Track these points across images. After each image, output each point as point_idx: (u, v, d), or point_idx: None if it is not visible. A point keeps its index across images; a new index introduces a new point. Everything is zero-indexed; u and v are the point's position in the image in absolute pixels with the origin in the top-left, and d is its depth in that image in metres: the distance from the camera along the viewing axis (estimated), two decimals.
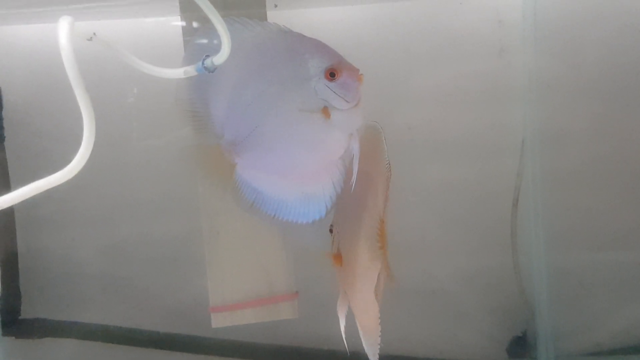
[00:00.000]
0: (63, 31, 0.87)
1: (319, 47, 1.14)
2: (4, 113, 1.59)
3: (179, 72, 1.03)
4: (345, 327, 1.27)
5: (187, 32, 1.33)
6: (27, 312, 1.63)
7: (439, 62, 1.64)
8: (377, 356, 1.25)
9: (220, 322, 1.39)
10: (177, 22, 1.36)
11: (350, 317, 1.28)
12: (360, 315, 1.25)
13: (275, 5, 1.43)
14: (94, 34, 0.95)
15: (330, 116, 1.13)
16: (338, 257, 1.22)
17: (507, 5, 1.62)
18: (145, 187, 1.63)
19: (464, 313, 1.71)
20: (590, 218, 1.67)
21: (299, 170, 1.20)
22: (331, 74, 1.11)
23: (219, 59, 1.01)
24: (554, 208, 1.62)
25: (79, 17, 1.49)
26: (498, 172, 1.66)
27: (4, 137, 1.59)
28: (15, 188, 1.54)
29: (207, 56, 1.04)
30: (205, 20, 1.20)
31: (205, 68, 1.02)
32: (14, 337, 1.62)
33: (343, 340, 1.27)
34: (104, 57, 1.17)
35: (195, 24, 1.33)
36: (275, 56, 1.16)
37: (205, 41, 1.19)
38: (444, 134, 1.65)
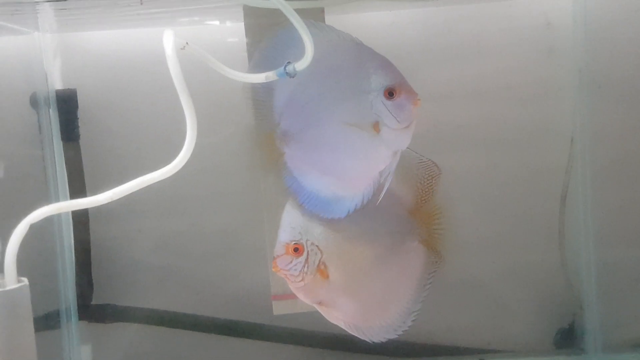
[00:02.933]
0: (168, 42, 0.95)
1: (384, 64, 1.20)
2: (79, 113, 1.67)
3: (260, 77, 1.10)
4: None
5: (250, 36, 1.40)
6: (99, 298, 1.73)
7: (487, 62, 1.68)
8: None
9: (282, 310, 1.46)
10: (240, 27, 1.42)
11: None
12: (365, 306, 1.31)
13: None
14: (187, 43, 1.03)
15: (379, 132, 1.20)
16: (323, 272, 1.26)
17: (556, 8, 1.65)
18: (205, 181, 1.69)
19: (511, 305, 1.74)
20: (638, 214, 1.69)
21: (338, 173, 1.27)
22: (390, 93, 1.17)
23: (301, 64, 1.07)
24: (602, 204, 1.64)
25: (147, 24, 1.61)
26: (546, 169, 1.69)
27: (79, 135, 1.68)
28: (89, 184, 1.67)
29: (289, 62, 1.10)
30: (269, 27, 1.29)
31: (287, 73, 1.09)
32: (86, 322, 1.71)
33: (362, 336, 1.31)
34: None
35: (257, 29, 1.40)
36: (342, 64, 1.23)
37: (277, 46, 1.25)
38: (493, 133, 1.69)
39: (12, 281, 1.01)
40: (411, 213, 1.34)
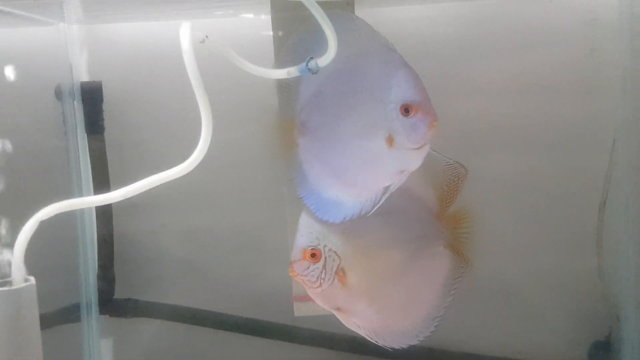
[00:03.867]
0: (184, 36, 0.93)
1: (409, 78, 1.14)
2: (103, 105, 1.67)
3: (282, 73, 1.08)
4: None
5: (278, 29, 1.38)
6: (121, 293, 1.73)
7: (526, 59, 1.63)
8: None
9: (303, 311, 1.44)
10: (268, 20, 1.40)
11: None
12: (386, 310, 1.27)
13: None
14: (206, 36, 1.01)
15: (392, 146, 1.15)
16: (342, 279, 1.23)
17: (602, 4, 1.59)
18: (231, 177, 1.69)
19: (544, 314, 1.69)
20: None
21: (344, 177, 1.24)
22: (406, 110, 1.12)
23: (324, 61, 1.04)
24: None
25: (179, 16, 1.60)
26: (586, 172, 1.64)
27: (104, 128, 1.68)
28: (113, 177, 1.67)
29: (312, 58, 1.08)
30: (296, 20, 1.26)
31: (309, 69, 1.07)
32: (108, 316, 1.72)
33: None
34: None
35: (285, 23, 1.37)
36: (368, 68, 1.18)
37: (304, 41, 1.22)
38: (530, 133, 1.64)
39: (20, 280, 0.99)
40: (437, 217, 1.30)
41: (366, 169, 1.21)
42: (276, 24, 1.40)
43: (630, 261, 1.58)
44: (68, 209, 1.03)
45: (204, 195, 1.71)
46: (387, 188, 1.19)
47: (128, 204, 1.68)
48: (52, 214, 1.05)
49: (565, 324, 1.69)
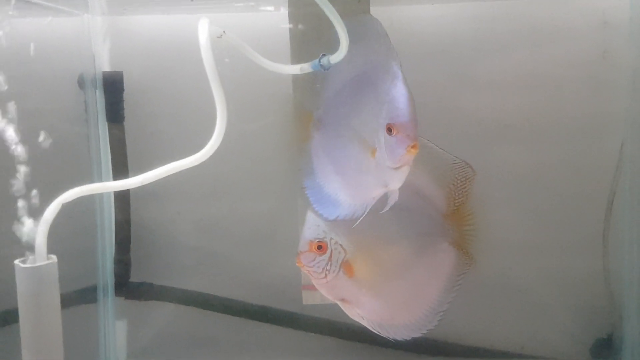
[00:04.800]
0: (203, 31, 0.96)
1: (401, 99, 1.13)
2: (124, 95, 1.71)
3: (295, 69, 1.11)
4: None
5: (294, 24, 1.41)
6: (137, 276, 1.77)
7: (538, 61, 1.63)
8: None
9: (311, 300, 1.48)
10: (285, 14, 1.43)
11: None
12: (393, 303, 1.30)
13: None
14: (224, 32, 1.04)
15: (375, 159, 1.16)
16: (348, 270, 1.26)
17: (614, 7, 1.59)
18: (246, 167, 1.72)
19: (548, 311, 1.70)
20: None
21: (343, 177, 1.27)
22: (389, 129, 1.12)
23: (336, 57, 1.07)
24: None
25: (201, 10, 1.62)
26: (593, 171, 1.65)
27: (124, 117, 1.72)
28: (132, 165, 1.71)
29: (324, 55, 1.10)
30: (314, 15, 1.29)
31: (322, 66, 1.09)
32: (123, 298, 1.76)
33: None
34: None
35: (301, 18, 1.40)
36: (375, 78, 1.19)
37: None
38: (540, 132, 1.65)
39: (42, 258, 1.04)
40: (443, 215, 1.32)
41: (357, 176, 1.23)
42: (293, 19, 1.42)
43: (635, 261, 1.59)
44: (89, 192, 1.07)
45: (218, 185, 1.74)
46: (375, 198, 1.20)
47: (146, 192, 1.74)
48: (74, 197, 1.10)
49: (569, 321, 1.70)
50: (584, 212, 1.66)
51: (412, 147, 1.09)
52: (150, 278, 1.78)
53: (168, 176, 1.69)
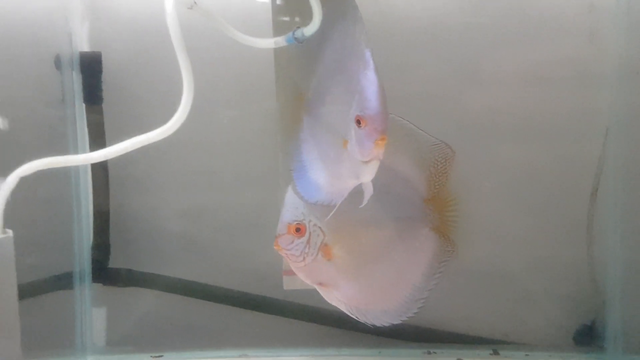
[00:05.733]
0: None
1: (370, 90, 1.08)
2: (103, 76, 1.67)
3: (269, 42, 1.08)
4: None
5: (276, 9, 1.38)
6: (116, 262, 1.74)
7: (524, 45, 1.62)
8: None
9: (291, 285, 1.48)
10: None
11: None
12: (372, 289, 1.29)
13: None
14: (195, 2, 1.01)
15: (346, 149, 1.14)
16: (327, 253, 1.24)
17: None
18: (227, 155, 1.70)
19: (533, 298, 1.70)
20: None
21: (324, 163, 1.26)
22: (358, 121, 1.09)
23: (309, 30, 1.04)
24: (634, 198, 1.58)
25: None
26: (578, 160, 1.64)
27: (102, 98, 1.68)
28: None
29: (298, 27, 1.08)
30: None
31: (296, 38, 1.07)
32: (101, 284, 1.73)
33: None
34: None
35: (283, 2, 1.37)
36: (349, 65, 1.15)
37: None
38: (525, 119, 1.64)
39: None
40: (424, 198, 1.31)
41: (334, 165, 1.21)
42: (275, 3, 1.39)
43: (618, 248, 1.59)
44: (48, 166, 1.04)
45: (201, 172, 1.72)
46: (349, 189, 1.18)
47: (125, 176, 1.72)
48: (33, 171, 1.06)
49: (553, 308, 1.70)
50: (569, 200, 1.66)
51: (380, 140, 1.05)
52: (132, 265, 1.75)
53: (151, 162, 1.70)
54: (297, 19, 1.29)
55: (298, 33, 1.07)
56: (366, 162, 1.10)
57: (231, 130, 1.65)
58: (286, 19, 1.34)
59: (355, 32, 1.14)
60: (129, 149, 1.06)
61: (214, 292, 1.74)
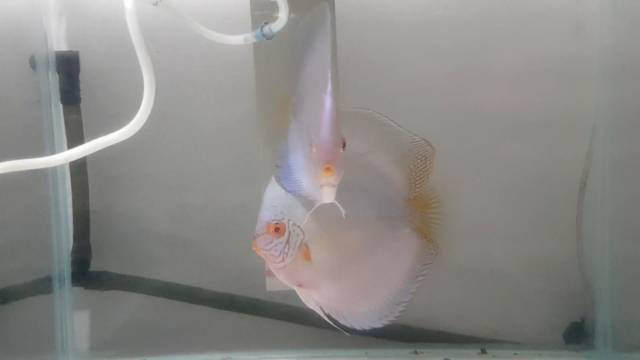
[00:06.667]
0: None
1: (324, 118, 1.04)
2: (80, 76, 1.65)
3: (239, 39, 1.06)
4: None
5: (256, 8, 1.35)
6: (97, 265, 1.72)
7: (512, 39, 1.61)
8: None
9: (275, 286, 1.45)
10: None
11: None
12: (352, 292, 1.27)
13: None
14: None
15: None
16: (306, 254, 1.21)
17: None
18: (212, 156, 1.68)
19: (522, 296, 1.69)
20: None
21: (305, 165, 1.21)
22: (311, 146, 1.07)
23: (277, 26, 1.02)
24: (622, 195, 1.57)
25: None
26: (566, 155, 1.63)
27: (80, 99, 1.65)
28: None
29: (266, 23, 1.06)
30: None
31: (264, 35, 1.05)
32: (82, 288, 1.71)
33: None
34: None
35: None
36: (315, 79, 1.13)
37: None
38: (513, 114, 1.63)
39: None
40: (405, 198, 1.28)
41: (304, 166, 1.18)
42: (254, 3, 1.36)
43: (607, 245, 1.58)
44: (7, 170, 1.01)
45: (183, 173, 1.71)
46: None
47: (105, 177, 1.70)
48: None
49: (542, 306, 1.70)
50: (558, 197, 1.65)
51: (326, 169, 1.02)
52: (115, 268, 1.73)
53: (133, 163, 1.67)
54: (276, 14, 1.27)
55: (266, 29, 1.05)
56: (322, 186, 1.06)
57: (212, 131, 1.64)
58: (265, 13, 1.31)
59: (324, 47, 1.11)
60: (92, 151, 1.03)
61: (196, 294, 1.73)
